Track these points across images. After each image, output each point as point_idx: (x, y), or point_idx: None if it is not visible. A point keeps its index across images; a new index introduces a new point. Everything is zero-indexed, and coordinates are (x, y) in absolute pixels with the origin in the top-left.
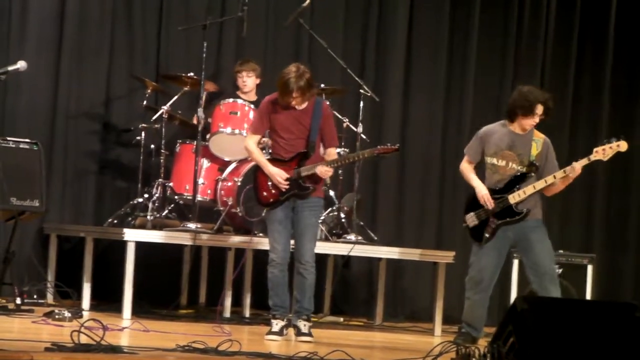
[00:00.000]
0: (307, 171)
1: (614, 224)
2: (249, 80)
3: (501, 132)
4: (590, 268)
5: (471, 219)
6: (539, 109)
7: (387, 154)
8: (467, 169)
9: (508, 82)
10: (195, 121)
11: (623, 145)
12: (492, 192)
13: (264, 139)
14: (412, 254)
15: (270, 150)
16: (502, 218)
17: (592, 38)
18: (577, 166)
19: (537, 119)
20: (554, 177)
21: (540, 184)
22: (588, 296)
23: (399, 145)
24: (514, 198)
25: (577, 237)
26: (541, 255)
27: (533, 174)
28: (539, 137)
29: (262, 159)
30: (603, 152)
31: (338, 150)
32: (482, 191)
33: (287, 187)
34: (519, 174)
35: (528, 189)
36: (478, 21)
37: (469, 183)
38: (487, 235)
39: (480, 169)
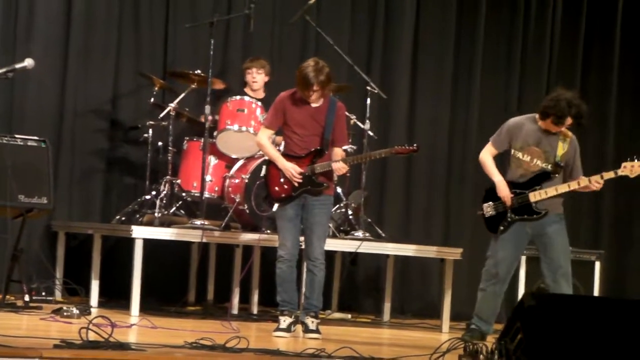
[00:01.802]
0: (321, 168)
1: (622, 220)
2: (258, 77)
3: (530, 128)
4: (598, 264)
5: (488, 209)
6: (569, 121)
7: (404, 154)
8: (488, 159)
9: (515, 81)
10: (203, 119)
11: None
12: (513, 185)
13: (274, 136)
14: (420, 250)
15: (281, 147)
16: (520, 214)
17: (598, 39)
18: (595, 181)
19: (564, 127)
20: (578, 183)
21: (563, 188)
22: (596, 293)
23: (417, 145)
24: (534, 196)
25: (585, 234)
26: (557, 250)
27: (557, 175)
28: (567, 136)
29: (275, 152)
30: (631, 169)
31: (345, 147)
32: (503, 191)
33: (300, 181)
34: (543, 172)
35: (550, 191)
36: (485, 20)
37: (489, 176)
38: (502, 228)
39: (501, 162)
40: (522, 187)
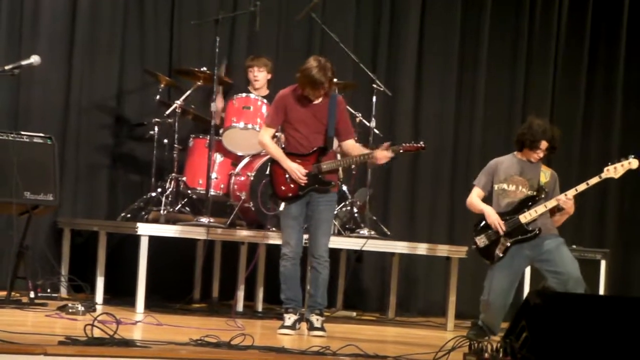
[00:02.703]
0: (328, 166)
1: (627, 219)
2: (260, 75)
3: (510, 161)
4: (603, 263)
5: (481, 240)
6: (543, 145)
7: (411, 151)
8: (475, 199)
9: (520, 79)
10: (215, 110)
11: (634, 163)
12: (502, 215)
13: (277, 133)
14: (425, 248)
15: (283, 145)
16: (514, 237)
17: (604, 36)
18: (570, 193)
19: (541, 154)
20: (566, 195)
21: (551, 203)
22: (601, 291)
23: (422, 143)
24: (524, 218)
25: (590, 233)
26: (563, 263)
27: (543, 197)
28: (547, 169)
29: (278, 153)
30: (615, 170)
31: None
32: (492, 215)
33: (305, 182)
34: (528, 197)
35: (539, 208)
36: (490, 17)
37: (478, 211)
38: (499, 254)
39: (488, 201)
40: (511, 213)
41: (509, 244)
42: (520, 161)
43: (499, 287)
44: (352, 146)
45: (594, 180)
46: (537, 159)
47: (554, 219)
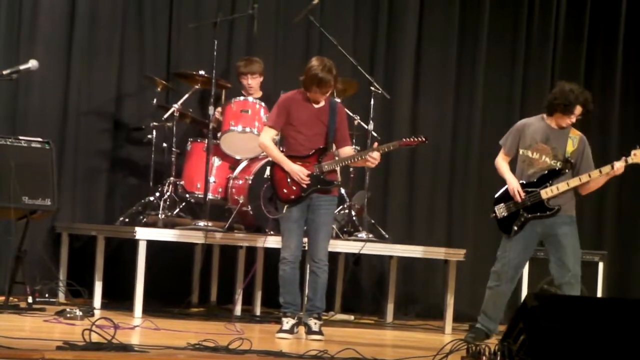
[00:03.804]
0: (329, 166)
1: (625, 221)
2: (253, 82)
3: (537, 125)
4: (601, 265)
5: (500, 211)
6: (578, 110)
7: (412, 145)
8: (502, 163)
9: (518, 81)
10: (214, 116)
11: None
12: (525, 185)
13: (275, 136)
14: (423, 251)
15: (282, 148)
16: (533, 212)
17: (602, 37)
18: (618, 165)
19: (574, 119)
20: (589, 175)
21: (574, 182)
22: (599, 294)
23: (422, 138)
24: (546, 193)
25: (588, 234)
26: (567, 252)
27: (568, 171)
28: (576, 135)
29: (279, 155)
30: None
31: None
32: (513, 184)
33: (308, 183)
34: (552, 169)
35: (561, 186)
36: (488, 19)
37: (502, 176)
38: (515, 228)
39: (512, 164)
40: (533, 185)
41: (526, 219)
42: (547, 127)
43: (514, 258)
44: (349, 153)
45: (621, 164)
46: (569, 125)
47: (586, 187)
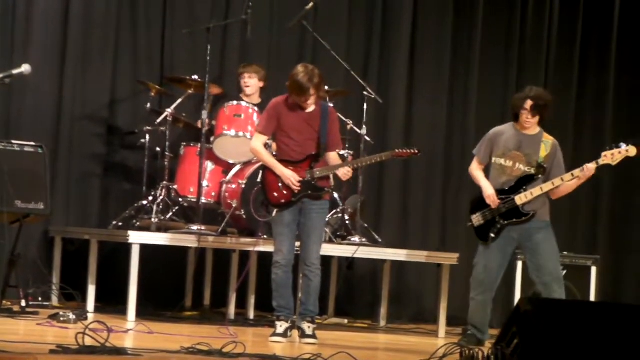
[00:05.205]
0: (321, 173)
1: (618, 225)
2: (250, 82)
3: (510, 133)
4: (594, 270)
5: (477, 219)
6: (527, 104)
7: (404, 157)
8: (476, 171)
9: (512, 84)
10: (199, 124)
11: (632, 151)
12: (499, 192)
13: (268, 141)
14: (416, 255)
15: (275, 153)
16: (509, 219)
17: (595, 40)
18: (589, 167)
19: (529, 116)
20: (562, 179)
21: (547, 186)
22: (592, 298)
23: (414, 150)
24: (520, 199)
25: (581, 239)
26: (545, 256)
27: (541, 176)
28: (548, 139)
29: (271, 160)
30: (612, 157)
31: (342, 152)
32: (488, 190)
33: (299, 188)
34: (526, 175)
35: (535, 191)
36: (481, 23)
37: (477, 183)
38: (492, 235)
39: (487, 171)
40: (508, 192)
41: (502, 226)
42: (518, 134)
43: (492, 265)
44: (334, 158)
45: (592, 166)
46: (528, 123)
47: (558, 192)
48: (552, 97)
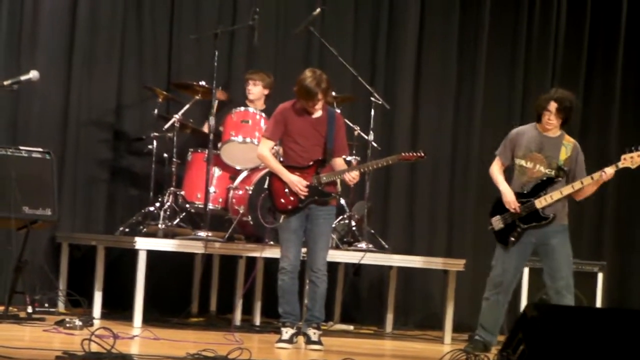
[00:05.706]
0: (328, 178)
1: (624, 231)
2: (254, 89)
3: (531, 134)
4: (600, 276)
5: (497, 222)
6: (552, 106)
7: (411, 160)
8: (496, 171)
9: (519, 88)
10: (206, 129)
11: None
12: (519, 195)
13: (275, 146)
14: (423, 262)
15: (282, 158)
16: (529, 222)
17: (602, 42)
18: (609, 171)
19: (553, 118)
20: (582, 182)
21: (567, 190)
22: (598, 304)
23: (421, 153)
24: (540, 202)
25: (587, 245)
26: (559, 261)
27: (561, 179)
28: (569, 142)
29: (278, 166)
30: (631, 160)
31: (348, 158)
32: (508, 196)
33: (306, 194)
34: (546, 178)
35: (555, 194)
36: (488, 27)
37: (496, 186)
38: (512, 239)
39: (507, 171)
40: (527, 195)
41: (522, 229)
42: (540, 135)
43: (510, 268)
44: (340, 164)
45: (611, 170)
46: (550, 125)
47: (581, 193)
48: (577, 99)
